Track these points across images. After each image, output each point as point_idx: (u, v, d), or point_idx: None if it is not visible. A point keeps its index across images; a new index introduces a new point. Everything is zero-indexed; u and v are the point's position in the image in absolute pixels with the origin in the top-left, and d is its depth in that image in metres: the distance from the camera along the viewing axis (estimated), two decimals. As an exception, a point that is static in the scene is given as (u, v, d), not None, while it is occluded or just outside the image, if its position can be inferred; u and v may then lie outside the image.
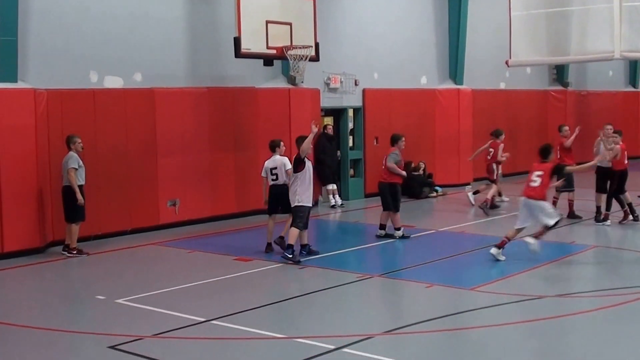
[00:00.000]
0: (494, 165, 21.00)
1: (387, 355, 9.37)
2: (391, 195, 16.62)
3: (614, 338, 10.27)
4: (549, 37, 20.70)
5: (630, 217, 18.18)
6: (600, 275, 14.38)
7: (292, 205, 14.79)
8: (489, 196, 20.49)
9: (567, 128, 19.69)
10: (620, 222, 18.14)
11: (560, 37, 20.42)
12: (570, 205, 19.16)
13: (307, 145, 14.64)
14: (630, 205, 18.55)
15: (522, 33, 21.12)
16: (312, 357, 9.27)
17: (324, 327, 10.67)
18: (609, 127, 19.35)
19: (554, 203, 19.09)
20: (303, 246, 15.06)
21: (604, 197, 18.55)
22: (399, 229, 16.64)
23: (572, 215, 19.10)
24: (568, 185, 18.98)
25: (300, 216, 14.63)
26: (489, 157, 21.14)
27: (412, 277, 13.59)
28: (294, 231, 14.57)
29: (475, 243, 16.55)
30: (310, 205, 14.88)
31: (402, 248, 16.15)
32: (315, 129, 14.64)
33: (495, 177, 20.96)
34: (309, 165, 14.83)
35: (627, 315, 11.25)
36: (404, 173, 16.77)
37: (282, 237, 15.30)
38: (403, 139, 16.86)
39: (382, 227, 16.78)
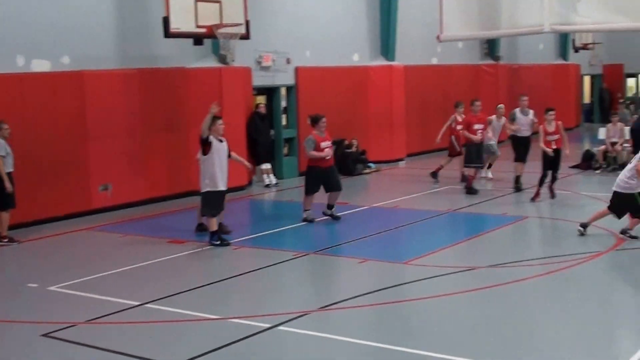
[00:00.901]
0: (452, 138, 21.24)
1: (323, 331, 9.44)
2: (305, 176, 16.55)
3: (547, 305, 10.53)
4: (480, 11, 20.79)
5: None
6: (531, 245, 14.69)
7: (201, 191, 14.44)
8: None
9: (479, 103, 19.85)
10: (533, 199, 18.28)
11: (491, 11, 20.52)
12: (470, 179, 19.37)
13: (205, 124, 14.06)
14: (518, 177, 19.34)
15: (453, 7, 21.16)
16: (247, 336, 9.28)
17: (259, 306, 10.66)
18: (525, 98, 19.76)
19: (471, 179, 19.29)
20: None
21: (522, 166, 19.35)
22: (305, 210, 16.40)
23: (470, 189, 19.28)
24: (475, 160, 19.17)
25: (209, 203, 14.32)
26: None
27: (347, 254, 13.66)
28: (210, 219, 14.36)
29: (408, 217, 16.71)
30: (223, 189, 14.42)
31: (336, 225, 16.11)
32: (214, 109, 14.01)
33: (453, 150, 21.20)
34: (219, 146, 14.30)
35: (557, 284, 11.54)
36: (320, 154, 16.08)
37: (201, 224, 15.20)
38: (323, 119, 16.38)
39: (329, 206, 16.53)
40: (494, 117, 21.01)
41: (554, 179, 18.11)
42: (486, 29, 21.41)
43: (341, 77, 24.41)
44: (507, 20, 20.50)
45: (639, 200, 13.57)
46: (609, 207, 13.99)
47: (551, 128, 17.87)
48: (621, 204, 13.76)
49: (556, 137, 17.85)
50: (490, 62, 31.25)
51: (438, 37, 21.91)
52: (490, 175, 21.43)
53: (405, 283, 11.67)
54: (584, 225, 14.23)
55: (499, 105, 21.43)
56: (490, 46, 31.23)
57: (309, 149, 16.13)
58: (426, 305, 10.61)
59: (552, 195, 18.06)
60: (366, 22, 25.49)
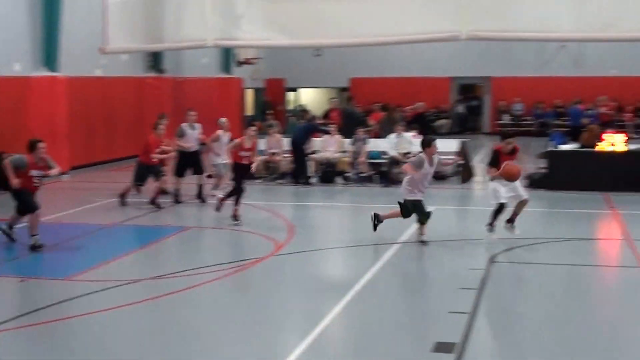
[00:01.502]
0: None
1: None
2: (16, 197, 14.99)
3: (212, 311, 11.05)
4: (145, 24, 20.82)
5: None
6: (195, 254, 14.98)
7: None
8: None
9: (163, 125, 19.30)
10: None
11: (156, 24, 20.64)
12: (125, 192, 19.21)
13: None
14: (177, 190, 19.64)
15: (118, 19, 20.99)
16: None
17: None
18: (193, 113, 20.12)
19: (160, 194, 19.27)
20: None
21: (180, 180, 19.72)
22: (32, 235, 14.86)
23: (154, 201, 18.88)
24: (139, 180, 19.14)
25: None
26: None
27: (4, 273, 13.18)
28: None
29: (71, 232, 16.42)
30: None
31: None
32: None
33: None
34: None
35: (221, 290, 12.09)
36: (16, 183, 14.40)
37: None
38: (41, 144, 14.71)
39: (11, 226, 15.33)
40: (220, 132, 20.29)
41: (234, 194, 17.43)
42: (151, 42, 21.49)
43: (1, 87, 23.45)
44: (172, 34, 20.70)
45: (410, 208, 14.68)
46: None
47: (248, 144, 17.46)
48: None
49: (249, 154, 17.57)
50: (155, 74, 31.37)
51: (102, 49, 21.66)
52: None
53: (66, 300, 11.44)
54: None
55: (222, 119, 20.81)
56: (155, 59, 31.29)
57: (16, 164, 14.57)
58: (89, 321, 10.51)
59: (218, 208, 17.63)
60: (28, 31, 24.60)
